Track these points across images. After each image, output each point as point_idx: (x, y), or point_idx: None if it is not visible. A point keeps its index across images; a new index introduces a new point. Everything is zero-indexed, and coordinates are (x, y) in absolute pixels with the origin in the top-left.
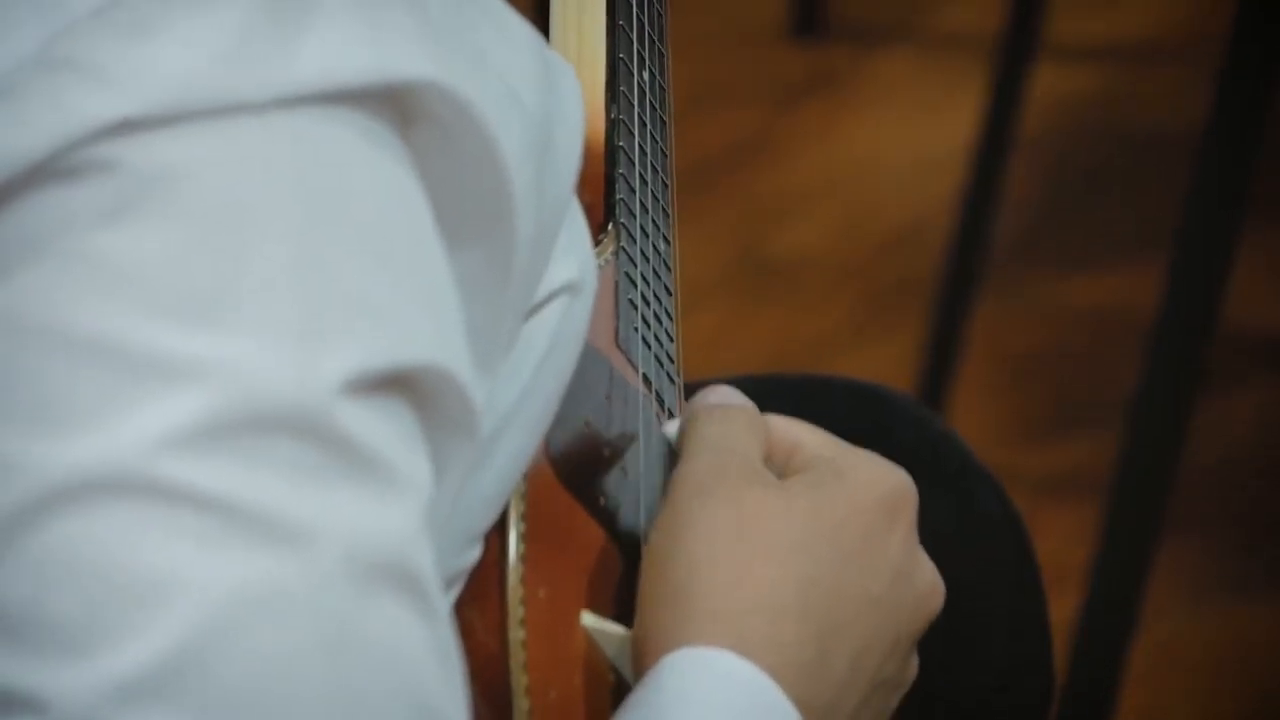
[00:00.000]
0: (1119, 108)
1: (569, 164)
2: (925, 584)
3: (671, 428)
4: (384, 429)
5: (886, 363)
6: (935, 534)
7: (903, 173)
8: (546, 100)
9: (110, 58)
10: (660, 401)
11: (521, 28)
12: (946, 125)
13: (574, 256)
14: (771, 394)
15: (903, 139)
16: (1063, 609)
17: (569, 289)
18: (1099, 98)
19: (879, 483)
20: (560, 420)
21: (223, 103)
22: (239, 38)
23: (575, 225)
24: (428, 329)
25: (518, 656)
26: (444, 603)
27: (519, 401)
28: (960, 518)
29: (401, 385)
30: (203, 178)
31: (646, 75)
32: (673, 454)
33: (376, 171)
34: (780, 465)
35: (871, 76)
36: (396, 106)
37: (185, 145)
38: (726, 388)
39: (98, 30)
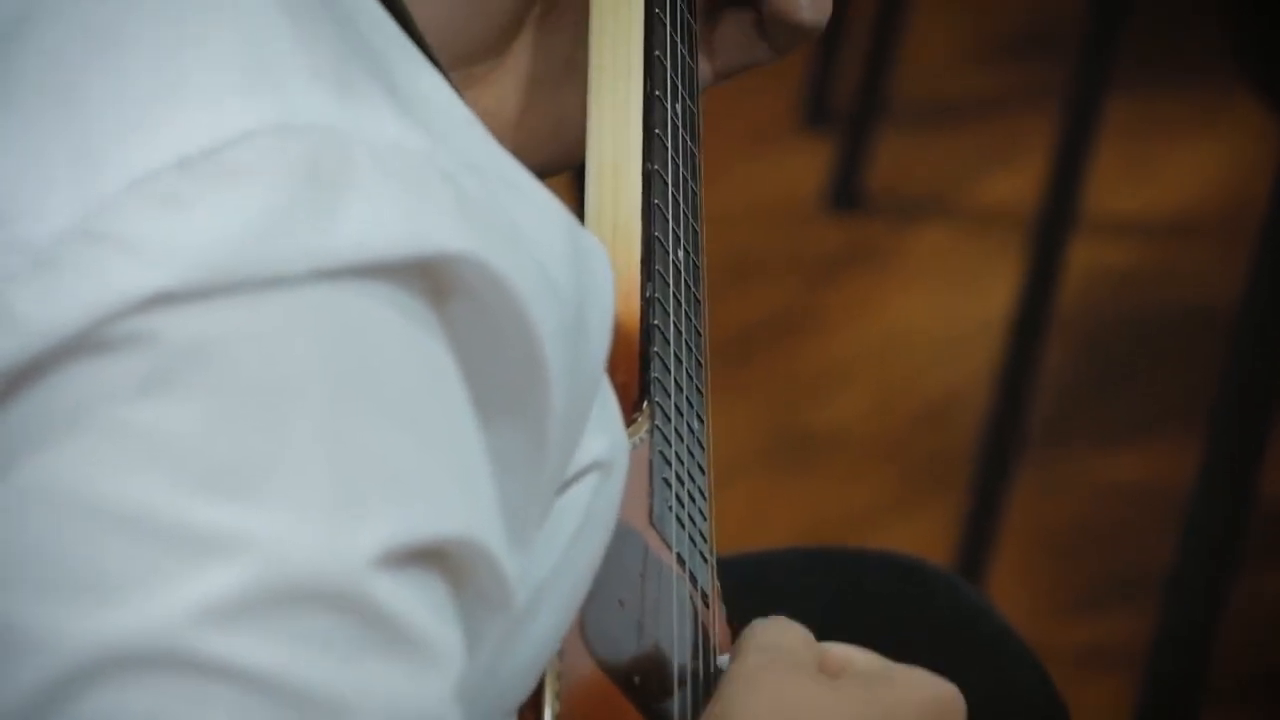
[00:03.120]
0: (1156, 283)
1: (600, 341)
2: None
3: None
4: (417, 601)
5: (924, 536)
6: (973, 707)
7: (940, 346)
8: (578, 278)
9: (145, 230)
10: (694, 581)
11: (554, 207)
12: (983, 299)
13: (605, 435)
14: (809, 567)
15: (940, 312)
16: None
17: (600, 467)
18: (1136, 273)
19: (929, 686)
20: (594, 599)
21: (258, 275)
22: (275, 209)
23: (606, 404)
24: (461, 502)
25: None
26: None
27: (551, 578)
28: (998, 691)
29: (435, 557)
30: (238, 351)
31: (681, 254)
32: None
33: (411, 345)
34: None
35: (909, 250)
36: (431, 279)
37: (221, 318)
38: (785, 618)
39: (133, 203)
